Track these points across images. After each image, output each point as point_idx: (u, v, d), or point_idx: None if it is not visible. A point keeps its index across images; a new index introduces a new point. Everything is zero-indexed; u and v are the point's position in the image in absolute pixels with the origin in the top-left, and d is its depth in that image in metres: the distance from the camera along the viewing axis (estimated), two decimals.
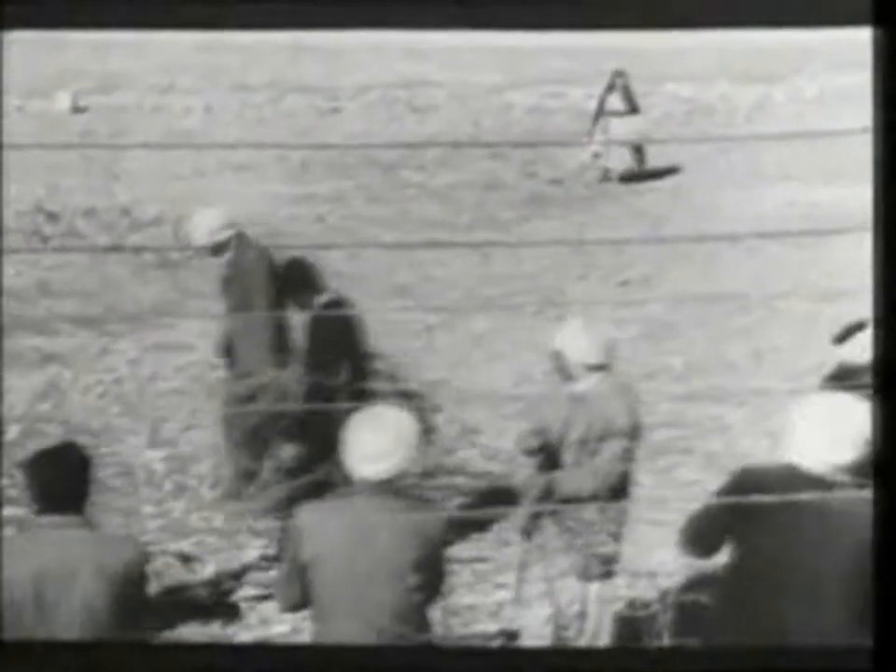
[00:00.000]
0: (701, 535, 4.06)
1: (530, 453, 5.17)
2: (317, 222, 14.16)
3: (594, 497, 5.06)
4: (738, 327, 10.30)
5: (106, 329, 10.00)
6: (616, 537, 5.12)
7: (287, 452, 6.01)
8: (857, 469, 3.95)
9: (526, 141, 18.75)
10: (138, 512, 6.78)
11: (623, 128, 16.17)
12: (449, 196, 15.69)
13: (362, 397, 5.96)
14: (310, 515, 3.86)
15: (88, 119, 19.86)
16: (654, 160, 16.83)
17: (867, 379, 5.51)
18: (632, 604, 5.52)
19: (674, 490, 7.30)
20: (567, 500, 5.09)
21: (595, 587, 5.14)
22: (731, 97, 23.14)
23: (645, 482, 7.08)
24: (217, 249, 6.68)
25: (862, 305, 10.96)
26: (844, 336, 5.68)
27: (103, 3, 3.99)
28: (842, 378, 5.60)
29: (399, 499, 3.85)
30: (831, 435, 3.96)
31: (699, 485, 7.24)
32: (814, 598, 3.93)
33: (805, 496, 3.85)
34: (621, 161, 16.28)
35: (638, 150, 16.26)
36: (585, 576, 5.12)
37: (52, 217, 13.56)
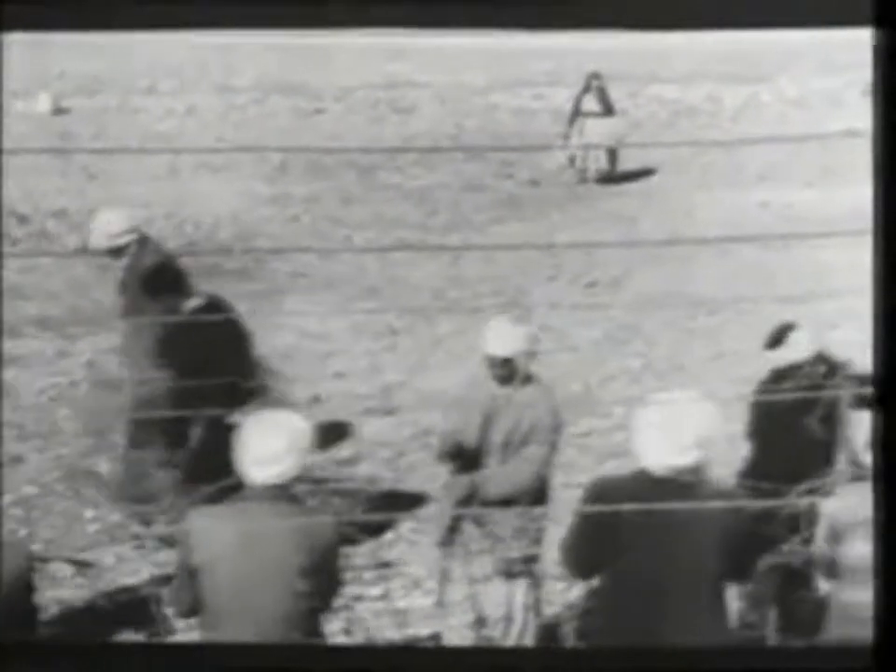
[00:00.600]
0: (578, 555, 4.06)
1: (448, 456, 5.15)
2: (292, 222, 14.13)
3: (515, 500, 5.05)
4: (702, 329, 10.29)
5: (67, 332, 9.99)
6: (538, 539, 5.10)
7: (176, 457, 5.98)
8: (701, 469, 3.96)
9: (503, 145, 18.70)
10: (81, 518, 6.77)
11: (598, 130, 16.15)
12: (424, 197, 15.67)
13: (241, 401, 5.91)
14: (201, 520, 3.84)
15: (68, 120, 19.83)
16: (633, 161, 16.84)
17: (808, 375, 5.52)
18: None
19: None
20: (490, 503, 5.07)
21: (519, 590, 5.12)
22: (717, 98, 23.10)
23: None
24: (116, 253, 6.64)
25: (830, 306, 11.00)
26: (775, 340, 5.67)
27: (102, 4, 4.01)
28: (779, 382, 5.59)
29: (290, 504, 3.82)
30: (672, 437, 3.94)
31: None
32: (684, 598, 3.92)
33: (659, 500, 3.85)
34: (596, 162, 16.25)
35: (613, 152, 16.24)
36: (509, 578, 5.10)
37: (23, 219, 13.54)
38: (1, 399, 6.33)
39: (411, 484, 7.36)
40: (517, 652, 4.87)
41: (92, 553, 6.29)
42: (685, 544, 3.89)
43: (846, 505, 4.33)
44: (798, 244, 12.28)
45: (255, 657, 3.95)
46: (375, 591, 6.10)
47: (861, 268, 12.11)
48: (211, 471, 4.43)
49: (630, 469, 4.07)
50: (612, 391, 9.05)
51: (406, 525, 6.75)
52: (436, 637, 5.32)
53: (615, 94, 23.59)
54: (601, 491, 4.03)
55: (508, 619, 5.10)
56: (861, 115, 17.48)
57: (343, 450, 7.94)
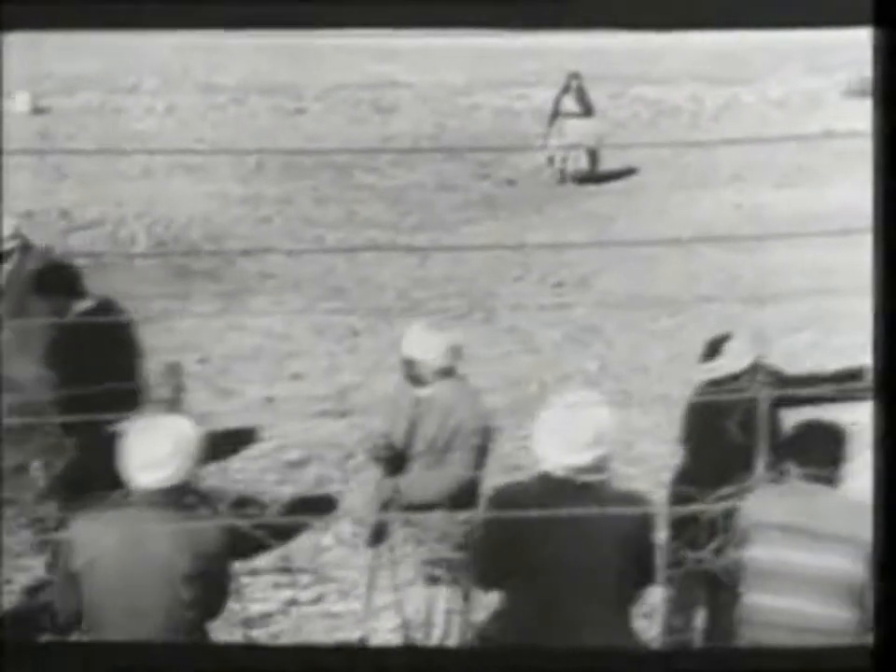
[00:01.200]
0: (482, 565, 4.04)
1: (378, 458, 5.13)
2: (263, 223, 14.09)
3: (441, 504, 5.02)
4: (662, 330, 10.26)
5: None
6: (463, 544, 5.06)
7: (57, 463, 5.93)
8: (598, 468, 3.94)
9: (482, 146, 18.66)
10: None
11: (577, 130, 16.12)
12: (399, 197, 15.64)
13: (127, 407, 5.84)
14: (83, 526, 3.80)
15: (46, 120, 19.78)
16: (615, 161, 16.81)
17: (744, 384, 5.49)
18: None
19: None
20: (415, 506, 5.04)
21: (441, 595, 5.09)
22: (699, 99, 23.06)
23: None
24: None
25: (792, 307, 10.90)
26: (711, 351, 5.62)
27: (102, 3, 3.97)
28: (717, 389, 5.55)
29: (176, 510, 3.78)
30: (568, 437, 3.94)
31: None
32: (589, 602, 3.90)
33: (561, 503, 3.83)
34: (575, 162, 16.22)
35: (593, 152, 16.21)
36: (431, 583, 5.07)
37: None
38: (1, 399, 6.28)
39: (356, 487, 7.33)
40: (442, 653, 4.83)
41: None
42: (588, 548, 3.86)
43: (759, 508, 4.30)
44: (766, 245, 12.27)
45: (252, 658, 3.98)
46: (308, 594, 6.07)
47: (825, 270, 12.11)
48: (94, 478, 4.38)
49: (531, 474, 4.05)
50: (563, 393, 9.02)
51: (348, 529, 6.72)
52: (363, 641, 5.29)
53: (598, 95, 23.61)
54: (503, 498, 4.00)
55: (429, 624, 5.07)
56: (840, 116, 17.48)
57: (292, 452, 7.90)
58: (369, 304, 11.12)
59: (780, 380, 5.29)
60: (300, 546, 6.38)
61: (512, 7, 4.04)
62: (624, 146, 18.68)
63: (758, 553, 4.17)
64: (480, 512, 4.07)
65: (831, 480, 4.15)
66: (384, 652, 4.11)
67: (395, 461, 5.09)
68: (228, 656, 4.03)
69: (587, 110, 16.26)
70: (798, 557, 4.03)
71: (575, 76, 16.36)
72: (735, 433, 5.12)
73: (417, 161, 17.44)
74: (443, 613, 5.08)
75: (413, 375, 5.18)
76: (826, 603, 4.03)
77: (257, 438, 8.09)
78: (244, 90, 22.57)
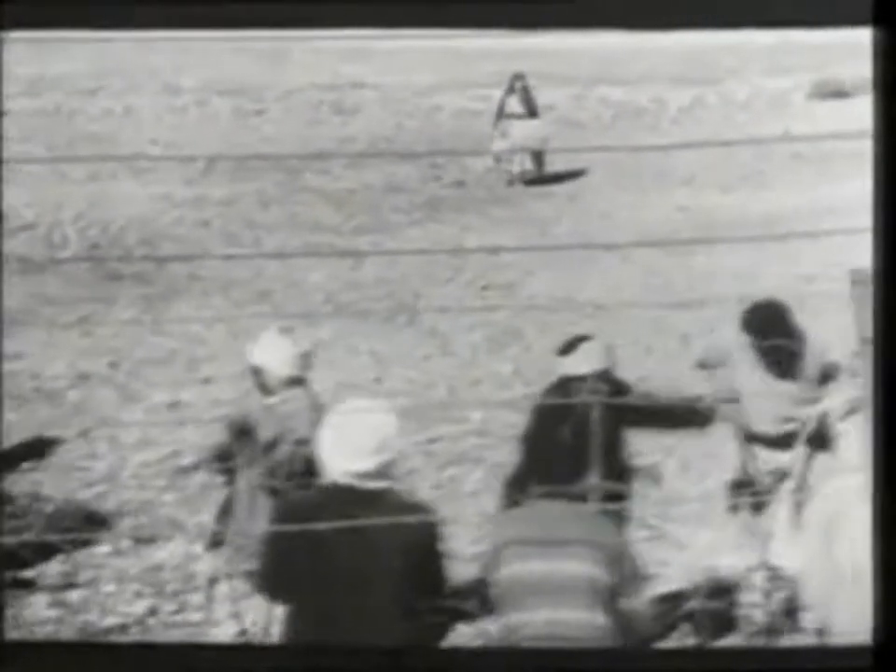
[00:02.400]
0: (269, 578, 3.99)
1: (210, 468, 5.08)
2: (201, 226, 14.02)
3: None
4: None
5: None
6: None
7: None
8: (382, 475, 3.89)
9: (435, 149, 18.59)
10: None
11: (522, 132, 16.07)
12: (346, 200, 15.57)
13: None
14: None
15: (6, 122, 19.68)
16: (566, 163, 16.74)
17: (589, 389, 5.44)
18: None
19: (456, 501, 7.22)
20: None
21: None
22: (663, 100, 22.99)
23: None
24: None
25: (712, 312, 10.85)
26: (567, 348, 5.60)
27: (102, 3, 4.04)
28: (564, 389, 5.53)
29: None
30: (351, 444, 3.90)
31: (480, 496, 7.18)
32: (375, 612, 3.85)
33: (345, 510, 3.78)
34: (521, 164, 16.17)
35: (538, 154, 16.15)
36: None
37: None
38: (1, 399, 6.28)
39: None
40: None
41: None
42: (371, 556, 3.81)
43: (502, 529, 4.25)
44: (701, 249, 12.24)
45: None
46: (171, 606, 6.03)
47: (754, 276, 12.04)
48: None
49: (320, 482, 4.00)
50: (477, 396, 8.98)
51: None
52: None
53: (561, 96, 23.62)
54: (288, 509, 3.96)
55: (267, 634, 5.01)
56: (804, 117, 17.36)
57: (185, 458, 7.84)
58: (295, 308, 11.05)
59: (621, 395, 5.25)
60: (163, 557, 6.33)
61: (480, 7, 4.09)
62: (572, 149, 18.61)
63: (505, 572, 4.10)
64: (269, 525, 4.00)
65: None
66: (385, 652, 4.03)
67: (227, 472, 5.03)
68: (229, 656, 4.07)
69: (532, 111, 16.21)
70: (541, 567, 3.98)
71: (519, 77, 16.32)
72: (566, 438, 5.07)
73: (370, 163, 17.38)
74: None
75: (261, 384, 5.13)
76: (576, 608, 3.96)
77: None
78: (206, 91, 22.50)
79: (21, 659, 3.79)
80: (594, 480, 4.76)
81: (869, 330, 3.85)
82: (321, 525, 3.74)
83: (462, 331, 10.35)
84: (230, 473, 5.07)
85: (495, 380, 9.27)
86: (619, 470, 5.18)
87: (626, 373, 5.75)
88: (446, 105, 22.56)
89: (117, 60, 23.83)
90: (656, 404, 5.38)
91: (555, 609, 3.91)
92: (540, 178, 16.25)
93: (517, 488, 4.66)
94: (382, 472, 3.87)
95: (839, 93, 21.90)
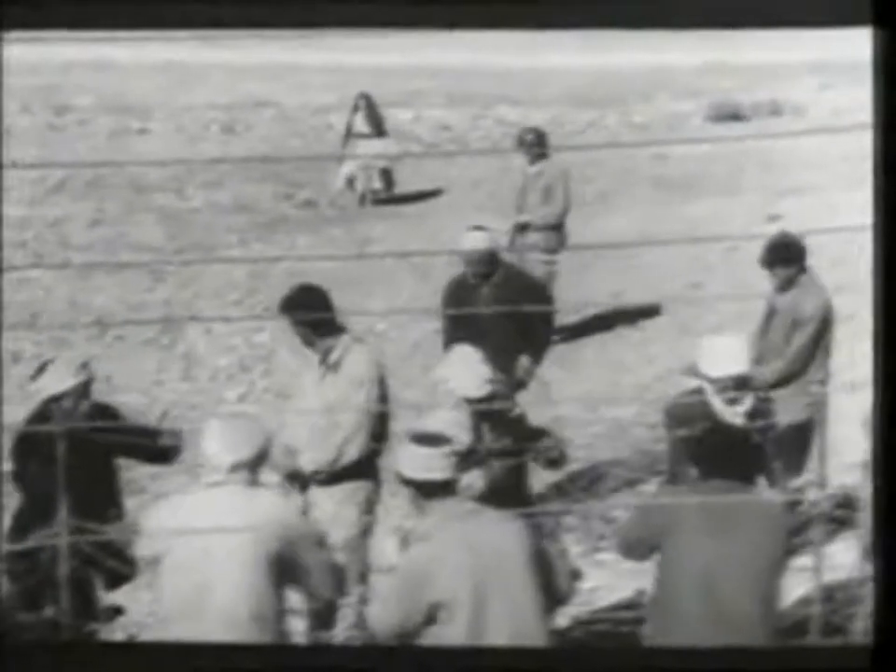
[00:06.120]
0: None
1: None
2: (15, 247, 13.66)
3: None
4: None
5: None
6: None
7: None
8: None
9: (284, 164, 18.30)
10: None
11: (369, 150, 15.80)
12: (184, 219, 15.29)
13: None
14: None
15: None
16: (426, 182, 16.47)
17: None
18: None
19: None
20: None
21: None
22: (560, 122, 22.70)
23: None
24: None
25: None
26: (38, 372, 5.55)
27: (102, 3, 4.12)
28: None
29: None
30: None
31: None
32: None
33: None
34: (369, 182, 15.89)
35: (386, 173, 15.88)
36: None
37: None
38: (1, 400, 6.16)
39: None
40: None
41: None
42: None
43: None
44: None
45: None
46: None
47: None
48: None
49: None
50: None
51: None
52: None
53: (461, 116, 23.36)
54: None
55: None
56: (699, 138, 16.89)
57: None
58: (57, 330, 10.77)
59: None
60: None
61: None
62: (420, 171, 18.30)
63: None
64: None
65: None
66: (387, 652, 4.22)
67: None
68: (228, 656, 4.14)
69: (379, 130, 15.94)
70: None
71: (364, 96, 16.14)
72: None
73: (229, 182, 17.11)
74: None
75: None
76: None
77: None
78: (95, 109, 22.26)
79: (22, 659, 3.87)
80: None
81: None
82: None
83: (215, 355, 10.10)
84: None
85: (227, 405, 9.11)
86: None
87: None
88: (337, 123, 22.27)
89: (14, 77, 23.52)
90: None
91: None
92: (390, 198, 15.97)
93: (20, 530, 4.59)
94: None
95: (736, 116, 21.71)
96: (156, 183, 16.87)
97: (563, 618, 4.92)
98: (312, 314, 5.85)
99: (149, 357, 10.17)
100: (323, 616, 5.02)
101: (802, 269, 6.94)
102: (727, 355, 5.63)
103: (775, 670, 4.06)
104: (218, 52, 26.04)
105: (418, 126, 22.56)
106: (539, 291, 7.93)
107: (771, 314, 6.89)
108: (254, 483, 4.31)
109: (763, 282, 7.00)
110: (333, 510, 5.49)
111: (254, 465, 4.31)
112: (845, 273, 8.31)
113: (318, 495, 5.60)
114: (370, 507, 5.53)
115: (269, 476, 7.20)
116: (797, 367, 6.68)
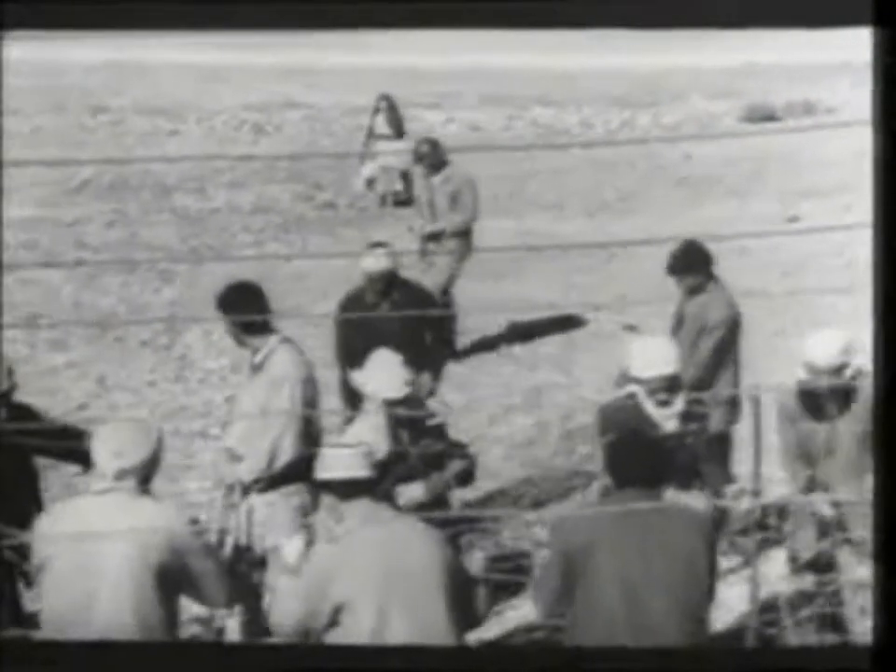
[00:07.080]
0: None
1: None
2: (26, 248, 13.69)
3: None
4: None
5: None
6: None
7: None
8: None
9: (308, 163, 18.27)
10: None
11: (389, 151, 15.74)
12: (202, 220, 15.31)
13: None
14: None
15: None
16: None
17: None
18: None
19: None
20: None
21: None
22: (590, 123, 22.59)
23: None
24: None
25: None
26: None
27: (102, 3, 4.05)
28: None
29: None
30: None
31: None
32: None
33: None
34: (389, 184, 15.84)
35: (406, 174, 15.80)
36: None
37: None
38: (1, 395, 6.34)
39: None
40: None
41: None
42: None
43: None
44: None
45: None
46: None
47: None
48: None
49: None
50: (172, 425, 8.71)
51: None
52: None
53: (497, 116, 23.23)
54: None
55: None
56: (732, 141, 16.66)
57: None
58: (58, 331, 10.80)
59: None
60: None
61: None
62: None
63: None
64: None
65: None
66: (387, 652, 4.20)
67: None
68: (231, 656, 4.16)
69: (399, 132, 15.88)
70: None
71: (385, 97, 16.05)
72: None
73: (251, 182, 17.13)
74: None
75: None
76: None
77: None
78: (128, 111, 22.36)
79: (22, 659, 3.87)
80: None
81: None
82: None
83: (210, 358, 10.09)
84: None
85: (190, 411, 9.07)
86: None
87: None
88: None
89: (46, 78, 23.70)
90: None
91: None
92: (410, 199, 15.90)
93: None
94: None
95: (770, 117, 21.48)
96: (178, 184, 16.92)
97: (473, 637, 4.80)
98: (244, 312, 5.71)
99: (145, 358, 10.17)
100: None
101: (709, 276, 6.99)
102: (657, 355, 5.57)
103: (774, 670, 3.99)
104: (252, 55, 26.19)
105: (449, 126, 22.52)
106: (437, 308, 7.93)
107: (679, 321, 6.96)
108: (143, 491, 4.25)
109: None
110: (268, 515, 5.46)
111: (142, 472, 4.26)
112: None
113: (256, 500, 5.57)
114: (305, 512, 5.46)
115: (200, 483, 7.24)
116: (704, 373, 6.72)
